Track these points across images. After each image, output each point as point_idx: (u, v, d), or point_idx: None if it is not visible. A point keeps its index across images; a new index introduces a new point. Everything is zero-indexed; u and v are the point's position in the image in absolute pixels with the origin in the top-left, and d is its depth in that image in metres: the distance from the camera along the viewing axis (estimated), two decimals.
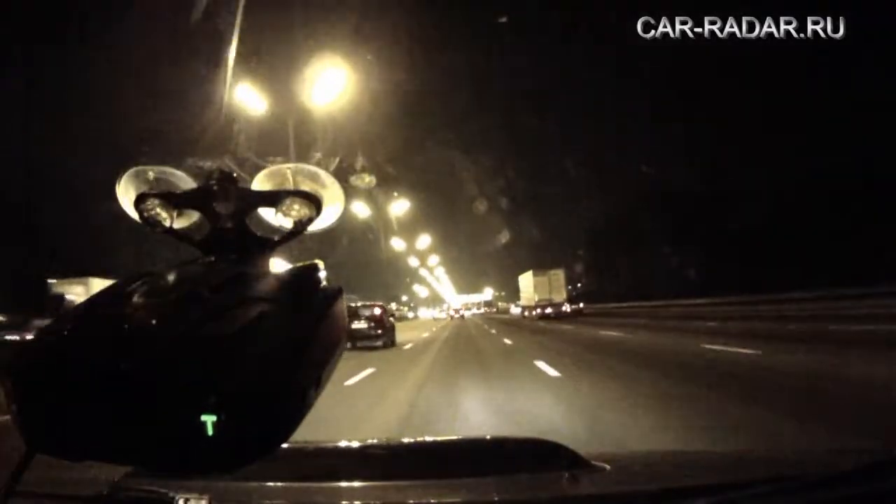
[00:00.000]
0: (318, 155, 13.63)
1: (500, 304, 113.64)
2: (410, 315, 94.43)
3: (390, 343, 19.31)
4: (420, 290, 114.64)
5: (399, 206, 34.46)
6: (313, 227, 0.73)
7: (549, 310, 43.76)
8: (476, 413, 6.44)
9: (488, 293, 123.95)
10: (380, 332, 18.72)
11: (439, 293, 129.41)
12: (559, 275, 46.18)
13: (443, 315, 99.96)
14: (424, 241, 63.67)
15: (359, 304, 20.40)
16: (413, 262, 63.24)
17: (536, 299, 45.79)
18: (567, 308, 44.25)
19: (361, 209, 24.36)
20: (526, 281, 50.09)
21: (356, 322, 18.31)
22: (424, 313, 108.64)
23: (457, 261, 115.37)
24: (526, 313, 50.92)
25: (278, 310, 0.59)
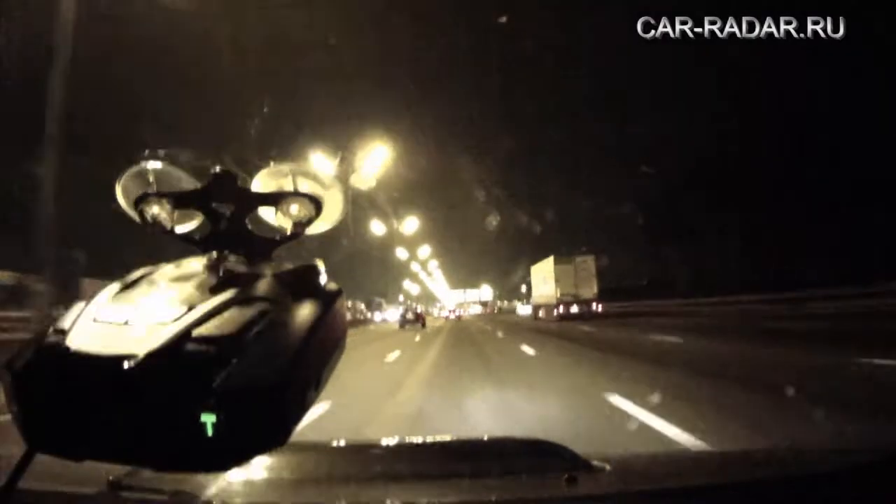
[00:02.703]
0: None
1: (498, 302, 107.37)
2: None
3: (423, 326, 39.17)
4: (410, 287, 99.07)
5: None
6: (313, 228, 0.73)
7: (574, 308, 33.52)
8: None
9: (486, 290, 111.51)
10: (419, 320, 42.18)
11: (431, 290, 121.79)
12: (588, 262, 34.98)
13: (442, 315, 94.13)
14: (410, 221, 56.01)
15: (406, 305, 37.58)
16: (379, 227, 49.86)
17: (559, 295, 34.54)
18: (599, 307, 33.89)
19: None
20: (544, 272, 38.33)
21: (408, 315, 44.18)
22: (387, 316, 60.32)
23: (451, 251, 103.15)
24: (541, 313, 39.25)
25: (278, 310, 0.59)
